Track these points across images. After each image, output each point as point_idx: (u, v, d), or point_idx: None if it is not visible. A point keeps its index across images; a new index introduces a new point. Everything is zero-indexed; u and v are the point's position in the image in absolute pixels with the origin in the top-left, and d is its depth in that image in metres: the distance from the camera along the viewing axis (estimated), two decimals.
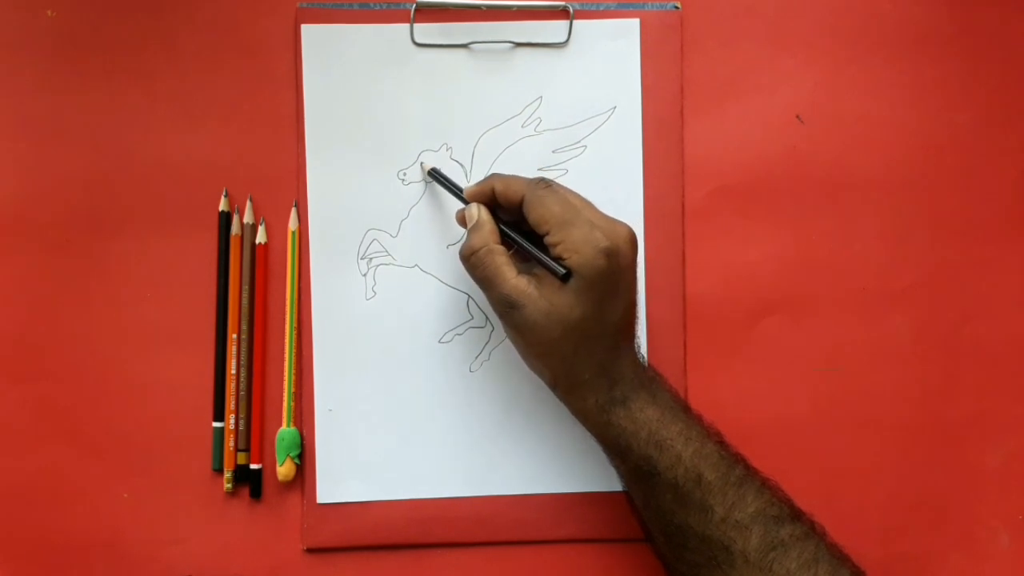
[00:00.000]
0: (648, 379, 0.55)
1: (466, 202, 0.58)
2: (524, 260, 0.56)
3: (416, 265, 0.61)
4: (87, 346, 0.61)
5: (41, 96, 0.61)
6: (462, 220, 0.58)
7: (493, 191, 0.56)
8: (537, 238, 0.55)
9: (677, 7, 0.62)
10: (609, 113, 0.62)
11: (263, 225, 0.61)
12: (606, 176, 0.61)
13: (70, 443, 0.61)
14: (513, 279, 0.54)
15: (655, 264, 0.61)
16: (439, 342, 0.61)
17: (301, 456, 0.61)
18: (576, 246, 0.53)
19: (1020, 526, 0.62)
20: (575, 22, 0.61)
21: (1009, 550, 0.62)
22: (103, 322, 0.61)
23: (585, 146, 0.62)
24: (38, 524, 0.60)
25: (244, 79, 0.61)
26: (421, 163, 0.61)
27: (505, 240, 0.56)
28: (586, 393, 0.54)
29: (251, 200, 0.61)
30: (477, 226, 0.56)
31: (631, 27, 0.62)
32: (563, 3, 0.61)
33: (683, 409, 0.55)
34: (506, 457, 0.61)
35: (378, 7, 0.61)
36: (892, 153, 0.63)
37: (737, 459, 0.55)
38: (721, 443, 0.55)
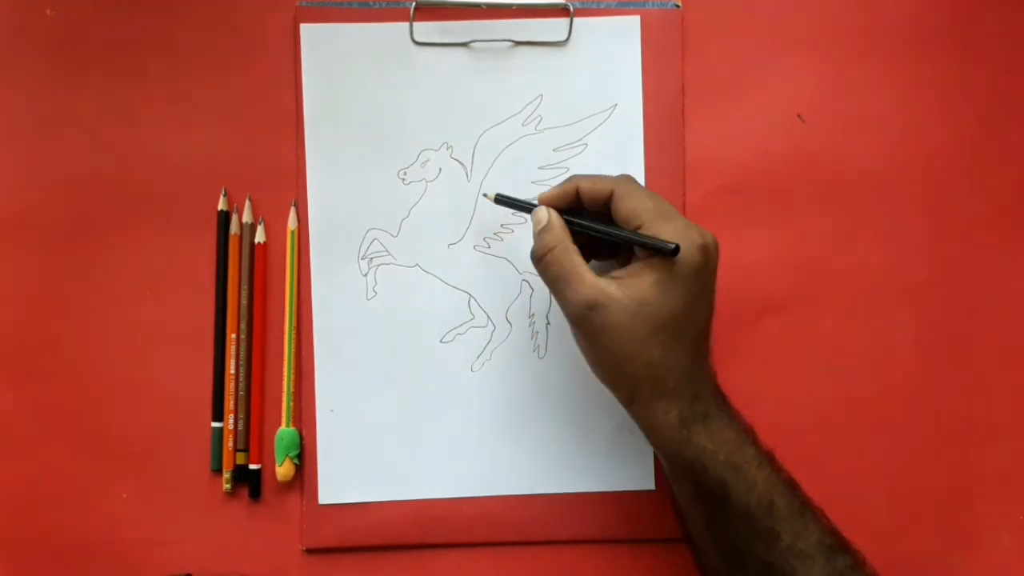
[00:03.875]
0: (723, 398, 0.54)
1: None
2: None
3: (417, 265, 0.61)
4: (87, 346, 0.61)
5: (41, 96, 0.61)
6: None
7: (577, 191, 0.54)
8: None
9: (678, 5, 0.62)
10: (609, 111, 0.62)
11: (262, 224, 0.61)
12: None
13: (70, 443, 0.60)
14: (592, 278, 0.51)
15: None
16: (440, 342, 0.61)
17: (300, 456, 0.61)
18: (675, 237, 0.51)
19: (1020, 526, 0.62)
20: (575, 20, 0.61)
21: (1009, 550, 0.62)
22: (103, 322, 0.61)
23: (586, 144, 0.62)
24: (38, 524, 0.60)
25: (244, 79, 0.61)
26: (484, 194, 0.60)
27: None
28: (669, 405, 0.52)
29: (250, 199, 0.61)
30: (548, 227, 0.53)
31: (631, 25, 0.62)
32: (563, 1, 0.61)
33: (751, 431, 0.54)
34: (507, 457, 0.61)
35: (377, 6, 0.61)
36: (892, 153, 0.63)
37: (795, 484, 0.54)
38: (780, 468, 0.54)
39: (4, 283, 0.61)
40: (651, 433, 0.53)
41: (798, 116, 0.62)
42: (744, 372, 0.62)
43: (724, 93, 0.62)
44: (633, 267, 0.52)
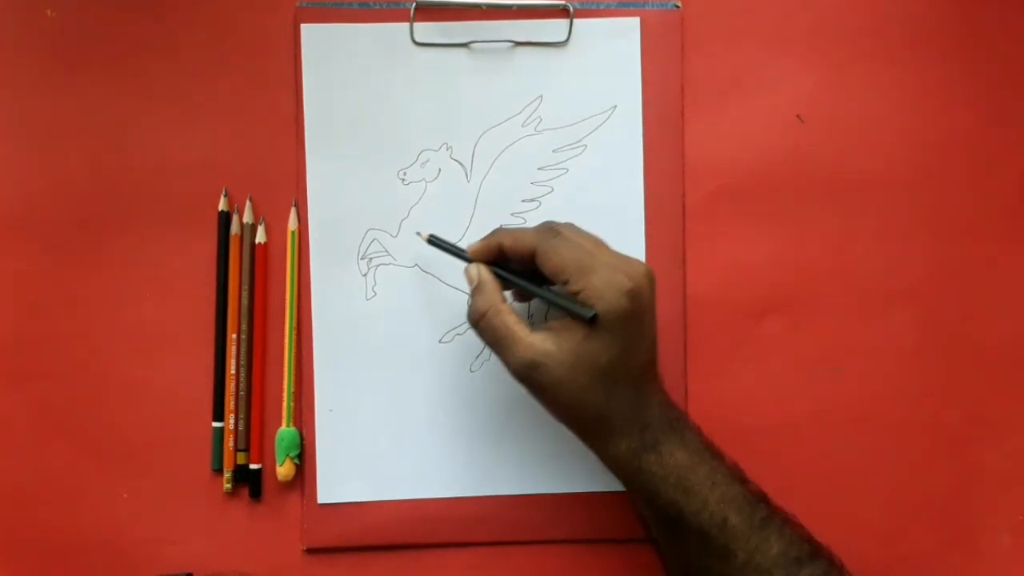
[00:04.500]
0: (675, 419, 0.55)
1: (469, 262, 0.56)
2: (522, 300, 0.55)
3: (416, 265, 0.61)
4: (87, 346, 0.61)
5: (41, 96, 0.61)
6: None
7: (500, 247, 0.55)
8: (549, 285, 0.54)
9: (677, 6, 0.62)
10: (609, 112, 0.62)
11: (263, 225, 0.61)
12: (606, 175, 0.61)
13: (70, 443, 0.61)
14: (527, 337, 0.52)
15: (655, 264, 0.61)
16: (439, 342, 0.61)
17: (301, 456, 0.61)
18: (599, 291, 0.51)
19: (1020, 526, 0.62)
20: (575, 21, 0.61)
21: (1009, 550, 0.62)
22: (103, 322, 0.61)
23: (585, 145, 0.62)
24: (38, 524, 0.60)
25: (244, 79, 0.61)
26: (418, 232, 0.59)
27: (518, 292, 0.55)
28: (618, 439, 0.53)
29: (251, 200, 0.61)
30: (479, 287, 0.54)
31: (631, 26, 0.62)
32: (563, 2, 0.61)
33: (708, 449, 0.55)
34: (506, 457, 0.61)
35: (378, 6, 0.61)
36: (892, 153, 0.63)
37: (759, 497, 0.54)
38: (744, 481, 0.54)
39: (4, 283, 0.61)
40: (606, 463, 0.55)
41: (797, 116, 0.62)
42: (744, 372, 0.62)
43: (724, 93, 0.62)
44: (568, 318, 0.53)
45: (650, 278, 0.53)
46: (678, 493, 0.53)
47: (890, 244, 0.62)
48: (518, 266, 0.55)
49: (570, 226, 0.55)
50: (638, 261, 0.54)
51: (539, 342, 0.52)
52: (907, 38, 0.63)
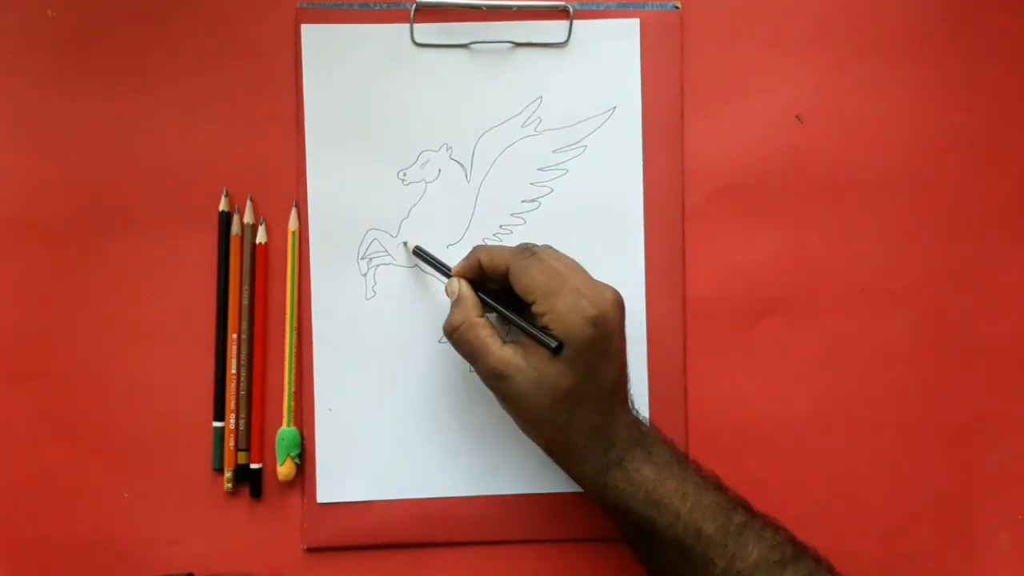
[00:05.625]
0: (642, 436, 0.55)
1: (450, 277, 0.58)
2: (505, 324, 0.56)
3: (416, 265, 0.61)
4: (87, 346, 0.61)
5: (41, 96, 0.61)
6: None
7: (479, 264, 0.56)
8: (527, 307, 0.55)
9: (677, 7, 0.62)
10: (609, 113, 0.62)
11: (263, 225, 0.61)
12: (606, 176, 0.62)
13: (70, 443, 0.61)
14: (498, 351, 0.54)
15: (655, 264, 0.61)
16: (439, 342, 0.61)
17: (301, 456, 0.61)
18: (562, 316, 0.52)
19: (1019, 526, 0.62)
20: (575, 22, 0.61)
21: (1008, 550, 0.62)
22: (103, 322, 0.61)
23: (585, 146, 0.62)
24: (38, 524, 0.60)
25: (244, 79, 0.61)
26: (404, 243, 0.61)
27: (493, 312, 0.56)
28: (581, 460, 0.54)
29: (251, 200, 0.61)
30: (458, 301, 0.56)
31: (631, 27, 0.62)
32: (563, 3, 0.61)
33: (679, 462, 0.55)
34: (506, 457, 0.61)
35: (378, 7, 0.61)
36: (892, 153, 0.63)
37: (736, 504, 0.54)
38: (719, 489, 0.55)
39: (4, 283, 0.61)
40: (575, 479, 0.56)
41: (797, 117, 0.62)
42: (744, 372, 0.62)
43: (723, 94, 0.62)
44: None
45: (617, 305, 0.54)
46: (648, 507, 0.53)
47: (890, 244, 0.62)
48: (496, 284, 0.56)
49: (547, 248, 0.56)
50: (607, 287, 0.54)
51: (508, 355, 0.54)
52: (907, 38, 0.63)
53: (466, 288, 0.56)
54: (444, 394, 0.61)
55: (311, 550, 0.61)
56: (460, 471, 0.61)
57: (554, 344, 0.53)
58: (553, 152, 0.62)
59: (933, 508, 0.62)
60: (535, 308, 0.53)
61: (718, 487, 0.55)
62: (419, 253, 0.60)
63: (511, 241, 0.61)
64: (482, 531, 0.61)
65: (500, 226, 0.61)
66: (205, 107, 0.61)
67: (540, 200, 0.62)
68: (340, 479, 0.61)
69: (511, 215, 0.61)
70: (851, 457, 0.62)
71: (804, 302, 0.62)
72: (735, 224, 0.62)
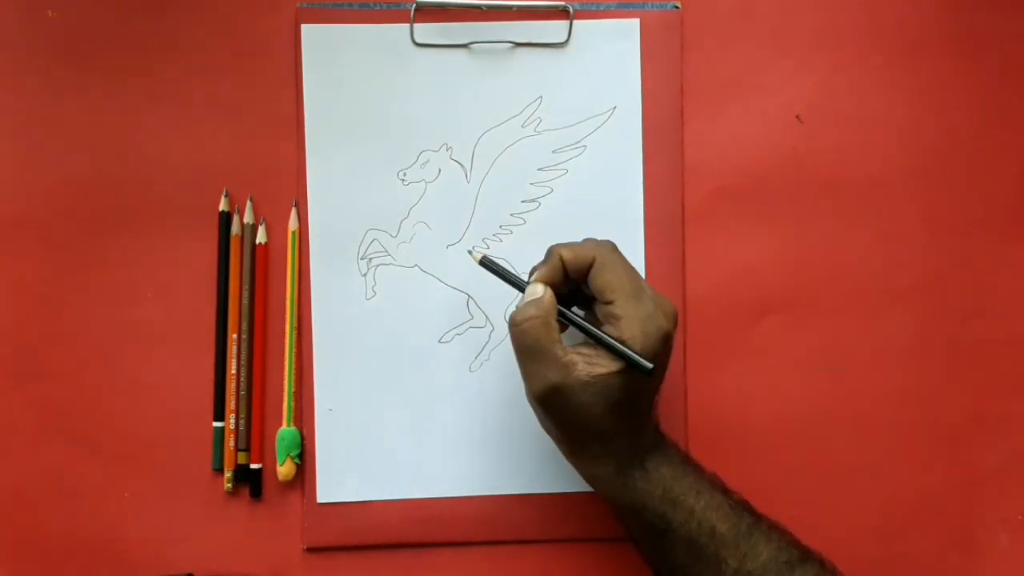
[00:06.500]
0: (661, 437, 0.55)
1: (523, 291, 0.55)
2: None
3: (416, 265, 0.61)
4: (87, 346, 0.61)
5: (41, 96, 0.61)
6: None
7: (562, 263, 0.54)
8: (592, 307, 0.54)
9: (677, 7, 0.62)
10: (609, 113, 0.62)
11: (263, 225, 0.61)
12: (606, 176, 0.62)
13: (70, 443, 0.61)
14: (564, 358, 0.52)
15: (655, 264, 0.61)
16: (439, 342, 0.61)
17: (301, 456, 0.61)
18: (641, 324, 0.51)
19: (1019, 526, 0.62)
20: (575, 22, 0.61)
21: (1008, 550, 0.62)
22: (103, 322, 0.61)
23: (585, 146, 0.62)
24: (38, 524, 0.60)
25: (244, 79, 0.61)
26: (470, 251, 0.58)
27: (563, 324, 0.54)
28: (609, 459, 0.54)
29: (251, 200, 0.61)
30: (540, 300, 0.53)
31: (631, 27, 0.62)
32: (563, 3, 0.61)
33: (687, 462, 0.55)
34: (506, 457, 0.61)
35: (378, 7, 0.61)
36: (892, 153, 0.63)
37: (744, 506, 0.55)
38: (726, 491, 0.55)
39: (4, 283, 0.61)
40: (591, 481, 0.55)
41: (797, 117, 0.62)
42: (744, 372, 0.62)
43: (723, 94, 0.62)
44: (602, 349, 0.52)
45: (677, 321, 0.54)
46: (665, 505, 0.53)
47: (890, 244, 0.62)
48: (571, 283, 0.55)
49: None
50: (669, 302, 0.54)
51: (571, 365, 0.51)
52: (907, 38, 0.63)
53: (550, 295, 0.53)
54: (444, 394, 0.61)
55: (311, 550, 0.61)
56: (460, 471, 0.61)
57: (649, 367, 0.51)
58: (553, 152, 0.62)
59: (933, 508, 0.62)
60: (613, 308, 0.52)
61: (725, 489, 0.55)
62: (488, 264, 0.57)
63: (511, 241, 0.61)
64: (482, 531, 0.61)
65: (500, 226, 0.61)
66: (205, 107, 0.61)
67: (540, 200, 0.62)
68: (340, 479, 0.61)
69: (511, 215, 0.61)
70: (851, 457, 0.62)
71: (804, 302, 0.62)
72: (735, 224, 0.62)
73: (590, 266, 0.53)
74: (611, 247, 0.54)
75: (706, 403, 0.62)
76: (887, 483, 0.62)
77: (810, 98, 0.62)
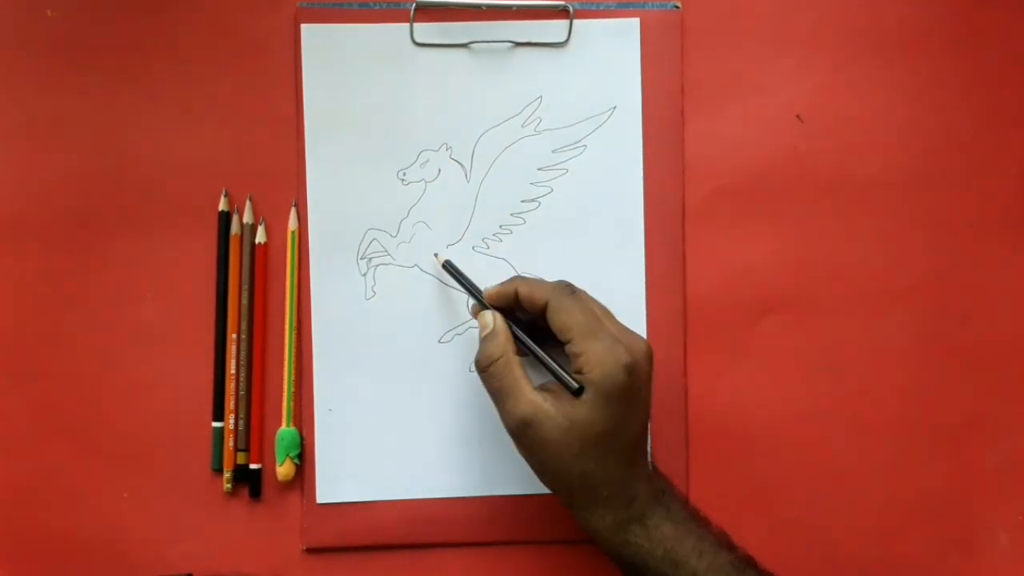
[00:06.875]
0: (660, 491, 0.55)
1: (482, 303, 0.57)
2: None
3: (416, 265, 0.61)
4: (87, 346, 0.61)
5: (41, 96, 0.61)
6: (475, 316, 0.58)
7: (515, 294, 0.55)
8: (552, 344, 0.54)
9: (677, 7, 0.62)
10: (609, 113, 0.62)
11: (263, 225, 0.61)
12: (606, 176, 0.62)
13: (70, 443, 0.61)
14: (530, 394, 0.53)
15: (655, 264, 0.61)
16: (439, 342, 0.61)
17: (301, 456, 0.61)
18: (599, 359, 0.52)
19: (1019, 526, 0.62)
20: (575, 22, 0.61)
21: (1008, 550, 0.62)
22: (103, 322, 0.61)
23: (585, 146, 0.62)
24: (38, 524, 0.60)
25: (244, 79, 0.61)
26: (436, 254, 0.60)
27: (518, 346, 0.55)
28: (605, 511, 0.53)
29: (251, 200, 0.61)
30: (493, 334, 0.55)
31: (631, 27, 0.62)
32: (563, 3, 0.61)
33: (693, 518, 0.55)
34: (506, 457, 0.61)
35: (378, 7, 0.61)
36: (892, 153, 0.63)
37: (747, 563, 0.54)
38: (732, 548, 0.55)
39: (4, 283, 0.61)
40: (592, 535, 0.55)
41: (797, 117, 0.62)
42: (744, 372, 0.62)
43: (723, 94, 0.62)
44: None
45: (649, 357, 0.54)
46: (666, 565, 0.53)
47: (890, 244, 0.62)
48: (527, 316, 0.56)
49: (584, 292, 0.55)
50: (640, 337, 0.54)
51: (539, 400, 0.52)
52: (907, 38, 0.63)
53: (501, 322, 0.55)
54: (444, 394, 0.61)
55: (310, 550, 0.61)
56: (460, 471, 0.61)
57: (576, 386, 0.52)
58: (553, 152, 0.62)
59: (933, 508, 0.62)
60: (570, 348, 0.53)
61: (730, 546, 0.55)
62: (449, 268, 0.59)
63: (511, 241, 0.61)
64: (481, 532, 0.61)
65: (500, 226, 0.61)
66: (204, 107, 0.61)
67: (540, 200, 0.62)
68: (339, 479, 0.61)
69: (511, 215, 0.61)
70: (851, 457, 0.62)
71: (804, 302, 0.62)
72: (735, 224, 0.62)
73: (545, 308, 0.54)
74: (566, 290, 0.55)
75: (706, 403, 0.62)
76: (887, 483, 0.62)
77: (810, 98, 0.62)
